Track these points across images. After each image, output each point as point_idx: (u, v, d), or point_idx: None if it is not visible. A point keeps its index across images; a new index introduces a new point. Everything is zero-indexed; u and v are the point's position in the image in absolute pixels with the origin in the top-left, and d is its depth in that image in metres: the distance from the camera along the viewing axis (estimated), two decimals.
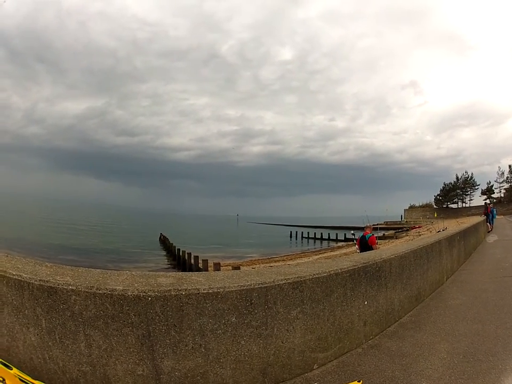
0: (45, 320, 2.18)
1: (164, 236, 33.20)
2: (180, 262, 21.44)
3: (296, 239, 47.68)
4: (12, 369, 1.87)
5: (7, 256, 2.51)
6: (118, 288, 2.10)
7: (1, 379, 1.81)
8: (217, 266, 14.80)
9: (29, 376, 1.93)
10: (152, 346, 2.14)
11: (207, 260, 16.72)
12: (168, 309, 2.14)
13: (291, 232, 50.90)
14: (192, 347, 2.21)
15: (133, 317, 2.11)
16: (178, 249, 22.54)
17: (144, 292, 2.11)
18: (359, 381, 1.90)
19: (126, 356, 2.11)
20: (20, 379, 1.79)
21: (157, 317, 2.13)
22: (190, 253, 19.42)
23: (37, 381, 1.86)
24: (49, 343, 2.17)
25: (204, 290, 2.18)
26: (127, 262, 21.13)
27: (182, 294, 2.15)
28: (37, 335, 2.20)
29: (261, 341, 2.39)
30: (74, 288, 2.10)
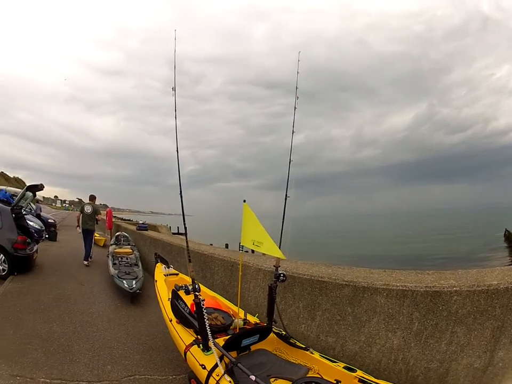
0: (419, 323, 2.60)
1: (508, 232, 32.27)
2: None
3: None
4: (355, 371, 2.31)
5: (384, 271, 2.82)
6: (493, 283, 2.58)
7: (336, 381, 2.24)
8: None
9: (371, 376, 2.38)
10: (499, 337, 2.58)
11: None
12: None
13: None
14: None
15: (497, 309, 2.56)
16: None
17: None
18: None
19: (476, 349, 2.57)
20: (360, 380, 2.25)
21: None
22: None
23: (380, 380, 2.31)
24: (412, 344, 2.65)
25: None
26: (471, 261, 20.68)
27: None
28: (402, 338, 2.65)
29: None
30: (457, 289, 2.57)
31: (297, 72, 2.87)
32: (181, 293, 2.59)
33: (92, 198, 8.73)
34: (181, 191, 2.47)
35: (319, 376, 2.36)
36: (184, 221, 2.47)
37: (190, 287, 2.47)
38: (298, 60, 2.90)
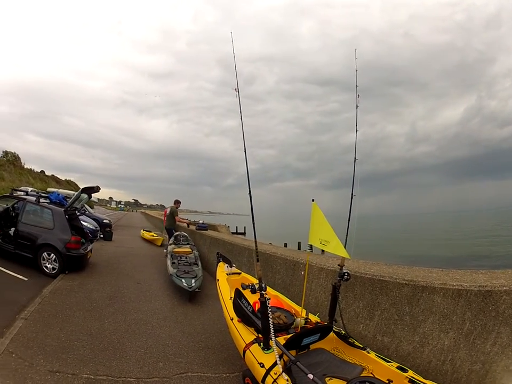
0: (470, 323, 2.74)
1: None
2: None
3: None
4: (407, 372, 2.42)
5: (442, 270, 2.90)
6: None
7: (389, 381, 2.34)
8: None
9: (421, 376, 2.48)
10: None
11: None
12: None
13: None
14: None
15: None
16: None
17: None
18: None
19: None
20: (411, 380, 2.39)
21: None
22: None
23: (428, 381, 2.43)
24: (461, 345, 2.79)
25: None
26: None
27: None
28: (453, 339, 2.78)
29: None
30: (507, 288, 2.70)
31: (356, 70, 2.93)
32: (246, 292, 2.64)
33: (175, 202, 10.13)
34: (250, 192, 2.52)
35: (372, 375, 2.45)
36: (253, 221, 2.52)
37: (257, 286, 2.52)
38: (356, 58, 2.97)
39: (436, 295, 2.72)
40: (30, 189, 9.13)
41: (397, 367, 2.42)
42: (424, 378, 2.38)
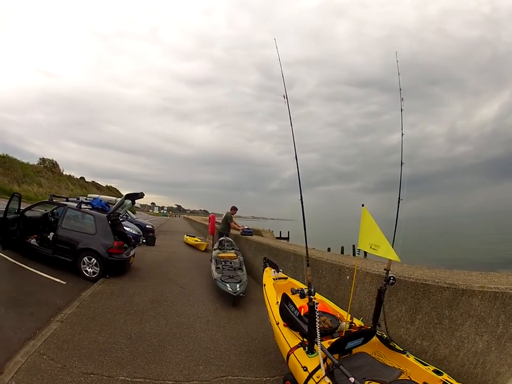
0: (503, 326, 2.86)
1: None
2: None
3: None
4: (442, 375, 2.52)
5: (481, 273, 2.98)
6: None
7: (444, 381, 2.42)
8: None
9: (454, 379, 2.59)
10: None
11: None
12: None
13: None
14: None
15: None
16: None
17: None
18: None
19: None
20: (444, 383, 2.51)
21: None
22: None
23: (459, 383, 2.54)
24: (492, 348, 2.88)
25: None
26: None
27: None
28: (486, 342, 2.88)
29: None
30: None
31: (398, 74, 2.97)
32: (294, 297, 2.68)
33: (232, 208, 10.39)
34: (301, 197, 2.57)
35: (408, 379, 2.52)
36: (304, 226, 2.57)
37: (306, 291, 2.58)
38: (397, 61, 3.00)
39: (474, 298, 2.80)
40: (85, 198, 9.14)
41: (433, 370, 2.49)
42: (456, 381, 2.45)
